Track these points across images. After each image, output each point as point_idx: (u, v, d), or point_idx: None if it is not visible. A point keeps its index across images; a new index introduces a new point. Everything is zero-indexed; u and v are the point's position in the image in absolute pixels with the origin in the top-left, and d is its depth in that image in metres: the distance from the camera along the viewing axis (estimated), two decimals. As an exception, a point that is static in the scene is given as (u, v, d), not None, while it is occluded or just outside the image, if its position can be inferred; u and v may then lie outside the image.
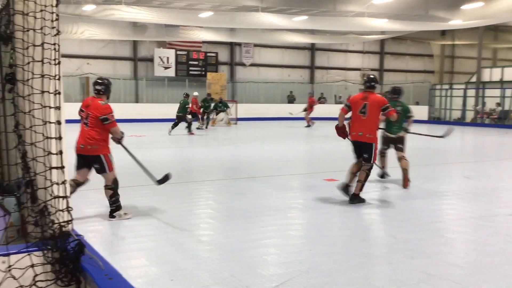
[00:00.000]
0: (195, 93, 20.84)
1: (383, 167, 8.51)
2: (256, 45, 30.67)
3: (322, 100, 31.22)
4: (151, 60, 27.64)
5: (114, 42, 26.64)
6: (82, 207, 6.26)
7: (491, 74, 27.84)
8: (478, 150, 15.58)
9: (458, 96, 27.87)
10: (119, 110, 26.78)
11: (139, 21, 22.53)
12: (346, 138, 6.95)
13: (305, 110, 22.12)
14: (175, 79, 28.04)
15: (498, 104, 25.49)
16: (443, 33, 34.16)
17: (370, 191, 7.74)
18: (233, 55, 30.29)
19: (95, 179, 8.38)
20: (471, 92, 27.48)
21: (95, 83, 5.76)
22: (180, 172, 9.57)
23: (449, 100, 27.91)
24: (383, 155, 8.46)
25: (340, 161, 10.99)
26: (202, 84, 28.40)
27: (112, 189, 5.68)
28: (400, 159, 8.06)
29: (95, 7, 18.90)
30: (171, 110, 26.22)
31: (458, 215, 6.17)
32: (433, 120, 28.21)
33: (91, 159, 5.59)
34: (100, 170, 5.65)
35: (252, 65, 30.98)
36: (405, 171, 7.89)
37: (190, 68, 28.32)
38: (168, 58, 27.62)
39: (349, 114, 6.84)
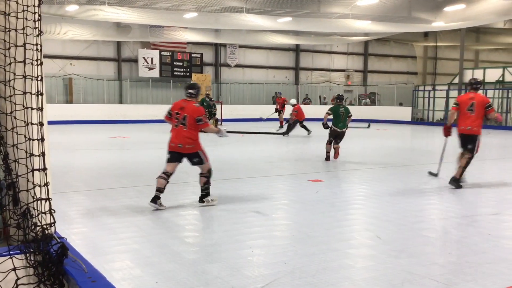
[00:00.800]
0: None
1: (328, 152, 11.17)
2: (241, 46, 30.69)
3: (307, 101, 31.36)
4: (135, 60, 27.48)
5: (98, 43, 26.44)
6: (65, 209, 6.20)
7: (473, 75, 28.18)
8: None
9: (440, 97, 28.19)
10: (103, 111, 26.72)
11: (123, 21, 22.40)
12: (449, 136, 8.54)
13: (276, 111, 22.11)
14: (159, 80, 27.91)
15: (480, 105, 25.81)
16: (426, 34, 34.57)
17: (355, 192, 7.79)
18: (218, 56, 30.27)
19: (77, 181, 8.31)
20: (454, 93, 27.78)
21: (188, 87, 6.53)
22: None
23: (432, 101, 28.22)
24: (330, 143, 11.17)
25: (323, 162, 11.04)
26: (187, 85, 28.30)
27: (206, 177, 6.46)
28: (336, 148, 11.11)
29: (78, 7, 18.73)
30: (155, 111, 26.15)
31: (441, 215, 6.24)
32: (416, 121, 28.50)
33: (191, 155, 6.40)
34: (199, 163, 6.44)
35: (237, 66, 30.99)
36: (337, 151, 11.13)
37: (175, 69, 28.22)
38: (152, 58, 27.48)
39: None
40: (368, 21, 22.28)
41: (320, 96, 32.54)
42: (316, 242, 4.94)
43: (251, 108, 28.51)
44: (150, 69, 27.47)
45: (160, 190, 6.32)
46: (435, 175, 8.99)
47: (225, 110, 24.74)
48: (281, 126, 21.66)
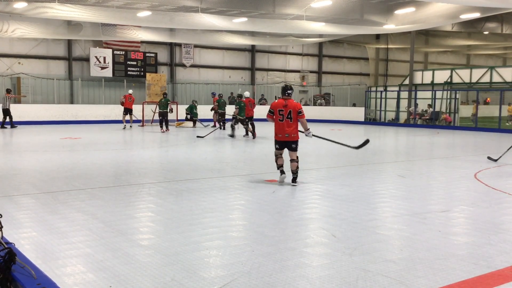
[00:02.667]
0: (130, 91, 21.77)
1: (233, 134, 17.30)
2: (196, 46, 30.48)
3: (263, 101, 31.51)
4: (86, 59, 26.81)
5: (47, 41, 25.64)
6: (14, 213, 5.98)
7: (423, 76, 29.12)
8: (411, 149, 16.25)
9: (392, 98, 28.96)
10: (53, 111, 25.93)
11: (74, 19, 21.81)
12: None
13: (212, 109, 22.63)
14: (112, 80, 27.34)
15: (430, 106, 26.72)
16: (378, 37, 35.40)
17: (310, 192, 7.87)
18: (173, 56, 29.95)
19: (26, 184, 8.02)
20: (404, 94, 28.63)
21: (287, 89, 8.29)
22: (118, 175, 9.34)
23: (384, 102, 28.95)
24: (233, 127, 17.50)
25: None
26: (142, 85, 27.91)
27: (297, 162, 8.20)
28: (252, 129, 17.29)
29: (26, 4, 18.10)
30: (108, 111, 25.61)
31: (393, 213, 6.39)
32: (369, 121, 29.15)
33: (293, 142, 8.16)
34: (295, 149, 8.21)
35: (193, 66, 30.77)
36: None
37: (128, 69, 27.72)
38: (104, 58, 26.89)
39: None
40: (322, 23, 22.59)
41: (276, 97, 32.67)
42: (273, 241, 4.96)
43: (207, 108, 28.33)
44: (102, 68, 26.86)
45: (282, 165, 8.36)
46: (495, 160, 11.22)
47: (181, 111, 24.54)
48: (213, 126, 22.05)
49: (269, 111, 8.32)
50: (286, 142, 8.19)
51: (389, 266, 4.27)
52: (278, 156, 8.44)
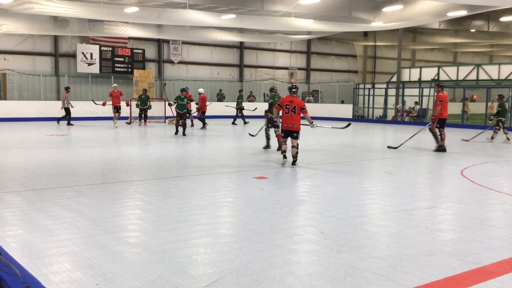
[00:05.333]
0: (114, 85, 21.97)
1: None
2: (184, 43, 30.33)
3: (251, 98, 31.47)
4: (73, 56, 26.55)
5: (34, 37, 25.35)
6: (-1, 211, 5.90)
7: (410, 74, 29.28)
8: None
9: (380, 95, 29.08)
10: (39, 108, 25.60)
11: (60, 15, 21.57)
12: None
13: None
14: (99, 76, 27.12)
15: (417, 103, 26.88)
16: (366, 34, 35.54)
17: (299, 189, 7.88)
18: (160, 52, 29.78)
19: (11, 181, 7.93)
20: (392, 91, 28.77)
21: (292, 87, 10.01)
22: (105, 172, 9.27)
23: (372, 99, 29.06)
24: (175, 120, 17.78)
25: (269, 158, 11.12)
26: (129, 81, 27.72)
27: (297, 148, 9.79)
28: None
29: (12, 0, 17.86)
30: (95, 108, 25.39)
31: (381, 209, 6.42)
32: (357, 118, 29.26)
33: (294, 131, 9.73)
34: (296, 137, 9.79)
35: (181, 62, 30.62)
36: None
37: (116, 65, 27.51)
38: (91, 54, 26.65)
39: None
40: (310, 20, 22.61)
41: (264, 94, 32.73)
42: (261, 238, 4.96)
43: (195, 106, 28.19)
44: (89, 64, 26.63)
45: (285, 151, 10.01)
46: (395, 148, 13.00)
47: (169, 108, 24.40)
48: (192, 125, 21.53)
49: (278, 104, 10.07)
50: (289, 131, 9.78)
51: (376, 262, 4.29)
52: (282, 143, 10.12)
